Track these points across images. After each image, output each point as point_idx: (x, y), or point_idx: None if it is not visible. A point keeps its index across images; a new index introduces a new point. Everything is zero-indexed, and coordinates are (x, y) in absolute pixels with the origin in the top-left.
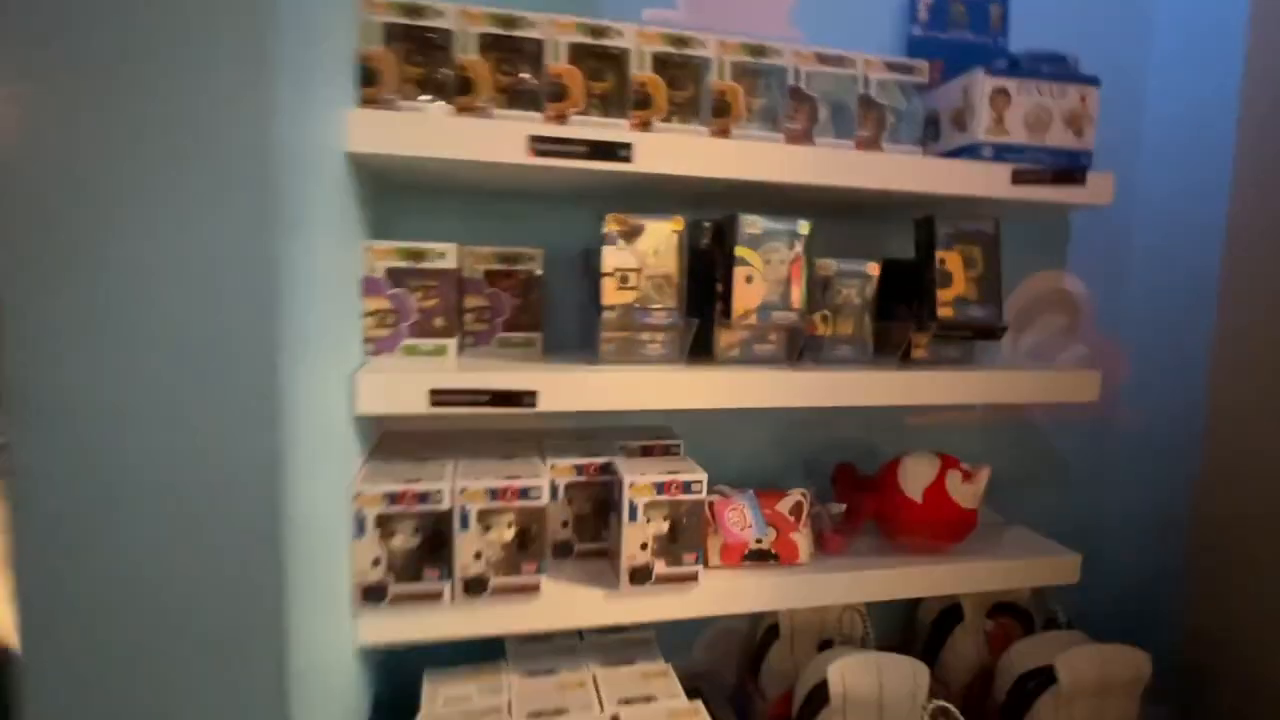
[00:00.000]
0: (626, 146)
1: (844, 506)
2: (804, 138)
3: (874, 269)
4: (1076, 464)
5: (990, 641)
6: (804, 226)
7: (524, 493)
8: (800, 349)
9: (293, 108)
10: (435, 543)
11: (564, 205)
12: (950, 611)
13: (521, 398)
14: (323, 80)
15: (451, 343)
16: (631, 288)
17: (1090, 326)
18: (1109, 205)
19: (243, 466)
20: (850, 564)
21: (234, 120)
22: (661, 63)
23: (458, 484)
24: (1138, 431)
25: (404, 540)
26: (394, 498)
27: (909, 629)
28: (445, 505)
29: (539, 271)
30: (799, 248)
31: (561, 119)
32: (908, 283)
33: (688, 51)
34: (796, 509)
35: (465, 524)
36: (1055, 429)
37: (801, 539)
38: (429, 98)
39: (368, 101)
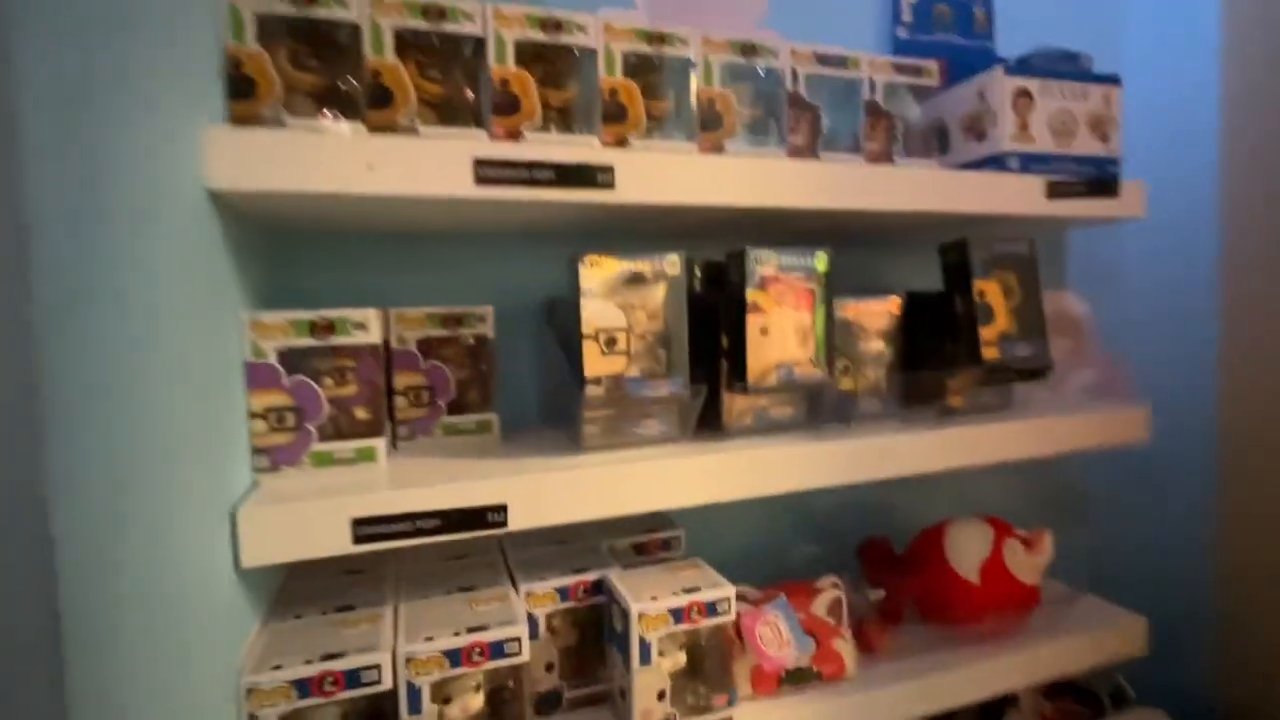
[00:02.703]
0: (608, 170)
1: (883, 593)
2: (808, 153)
3: (896, 306)
4: (1092, 495)
5: None
6: (821, 260)
7: (497, 649)
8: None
9: (64, 125)
10: None
11: (516, 245)
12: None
13: (485, 516)
14: (155, 87)
15: (379, 443)
16: (621, 352)
17: (1095, 347)
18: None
19: None
20: (903, 670)
21: None
22: (633, 66)
23: (402, 650)
24: (1150, 452)
25: None
26: (307, 686)
27: None
28: (385, 684)
29: (490, 334)
30: (817, 286)
31: (515, 136)
32: (934, 319)
33: (667, 51)
34: (835, 607)
35: (416, 707)
36: (1064, 459)
37: (845, 646)
38: (332, 114)
39: (240, 119)
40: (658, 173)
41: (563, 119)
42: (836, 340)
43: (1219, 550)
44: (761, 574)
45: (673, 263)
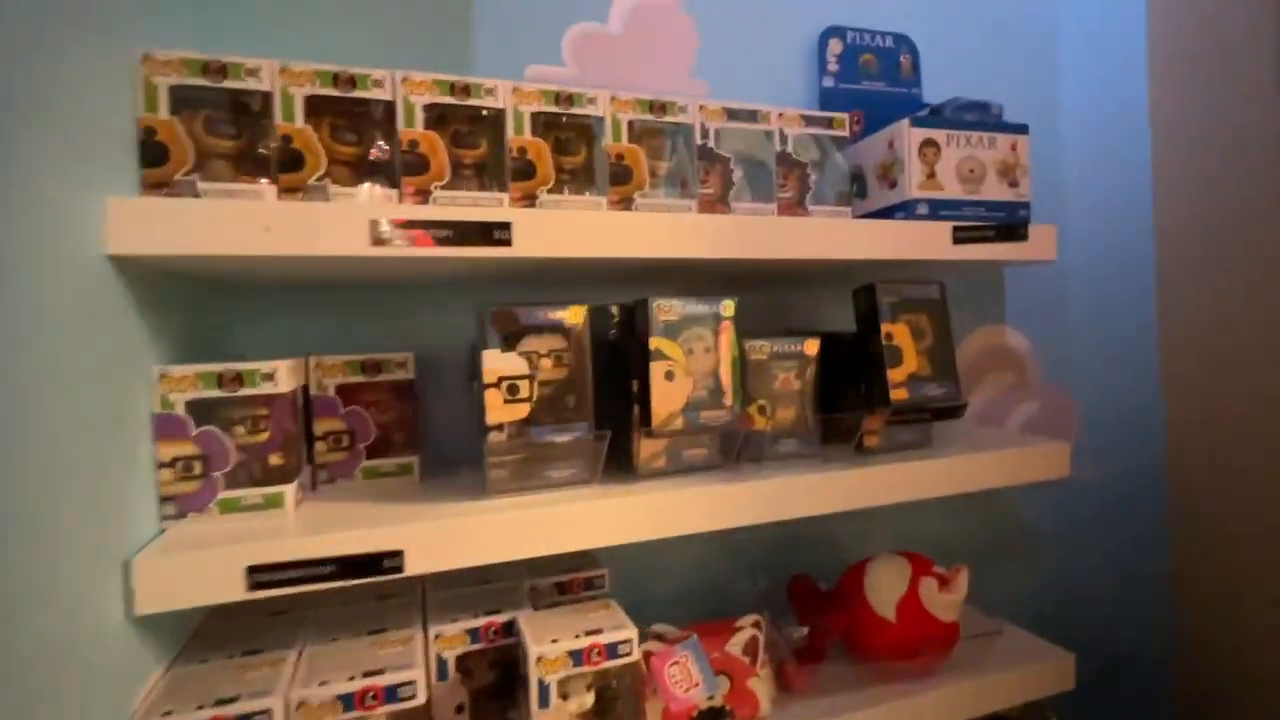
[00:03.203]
0: (504, 226)
1: (805, 630)
2: (719, 204)
3: (812, 347)
4: (1040, 529)
5: None
6: (728, 307)
7: (391, 693)
8: (738, 450)
9: None
10: None
11: (442, 292)
12: None
13: (381, 562)
14: (57, 160)
15: (289, 489)
16: (523, 399)
17: (1037, 380)
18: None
19: None
20: (819, 708)
21: None
22: (545, 125)
23: (294, 695)
24: (1099, 483)
25: None
26: None
27: None
28: None
29: (411, 378)
30: (725, 331)
31: (423, 195)
32: (851, 360)
33: (575, 111)
34: (751, 646)
35: None
36: (1012, 492)
37: (761, 685)
38: (251, 178)
39: (154, 185)
40: (555, 228)
41: (478, 175)
42: (754, 380)
43: (1170, 583)
44: (700, 611)
45: (575, 313)
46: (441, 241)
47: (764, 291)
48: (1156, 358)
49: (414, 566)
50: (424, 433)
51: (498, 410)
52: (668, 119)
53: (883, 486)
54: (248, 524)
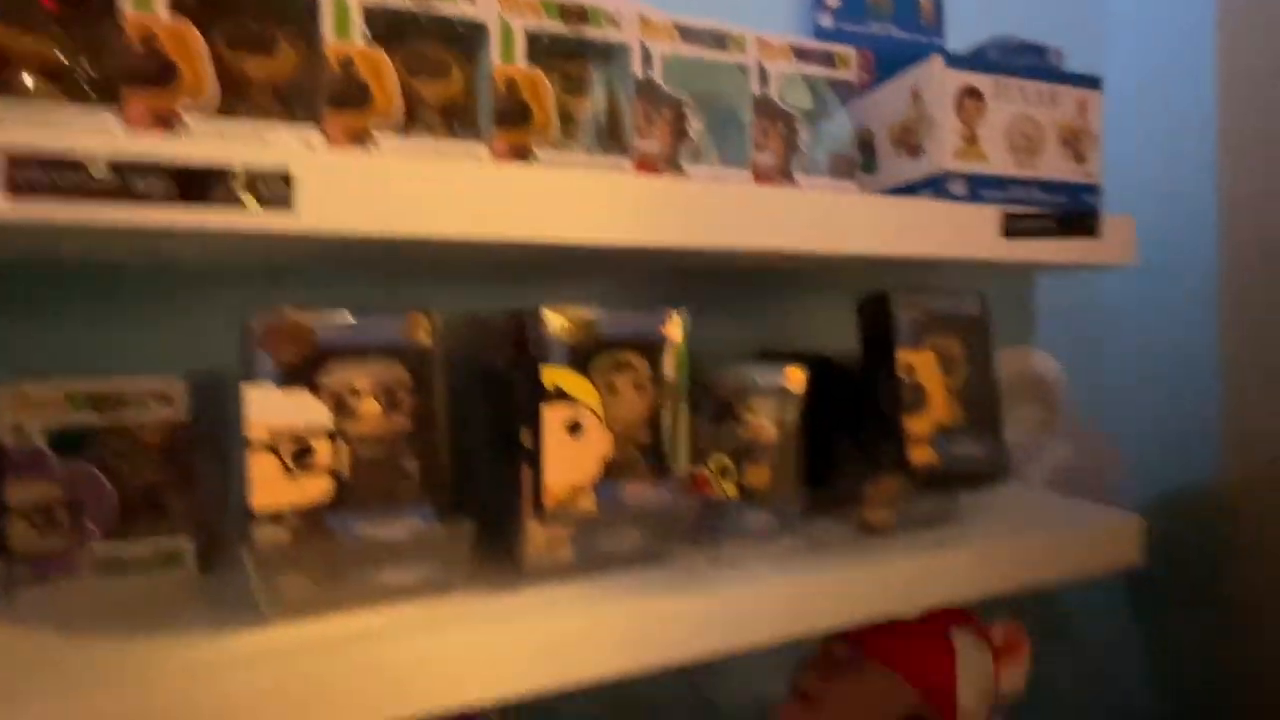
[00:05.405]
0: (278, 178)
1: None
2: (667, 165)
3: (797, 380)
4: (1085, 613)
5: None
6: (675, 324)
7: None
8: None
9: None
10: None
11: (247, 279)
12: None
13: None
14: None
15: None
16: (320, 468)
17: (1071, 419)
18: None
19: None
20: None
21: None
22: (392, 31)
23: None
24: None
25: None
26: None
27: None
28: None
29: (183, 418)
30: (669, 357)
31: (164, 123)
32: (851, 398)
33: (437, 8)
34: None
35: None
36: None
37: None
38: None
39: None
40: (381, 182)
41: (285, 104)
42: (713, 428)
43: (1242, 679)
44: None
45: (419, 325)
46: (146, 197)
47: (727, 295)
48: (1220, 391)
49: None
50: (212, 498)
51: (272, 488)
52: (591, 32)
53: (898, 588)
54: None
